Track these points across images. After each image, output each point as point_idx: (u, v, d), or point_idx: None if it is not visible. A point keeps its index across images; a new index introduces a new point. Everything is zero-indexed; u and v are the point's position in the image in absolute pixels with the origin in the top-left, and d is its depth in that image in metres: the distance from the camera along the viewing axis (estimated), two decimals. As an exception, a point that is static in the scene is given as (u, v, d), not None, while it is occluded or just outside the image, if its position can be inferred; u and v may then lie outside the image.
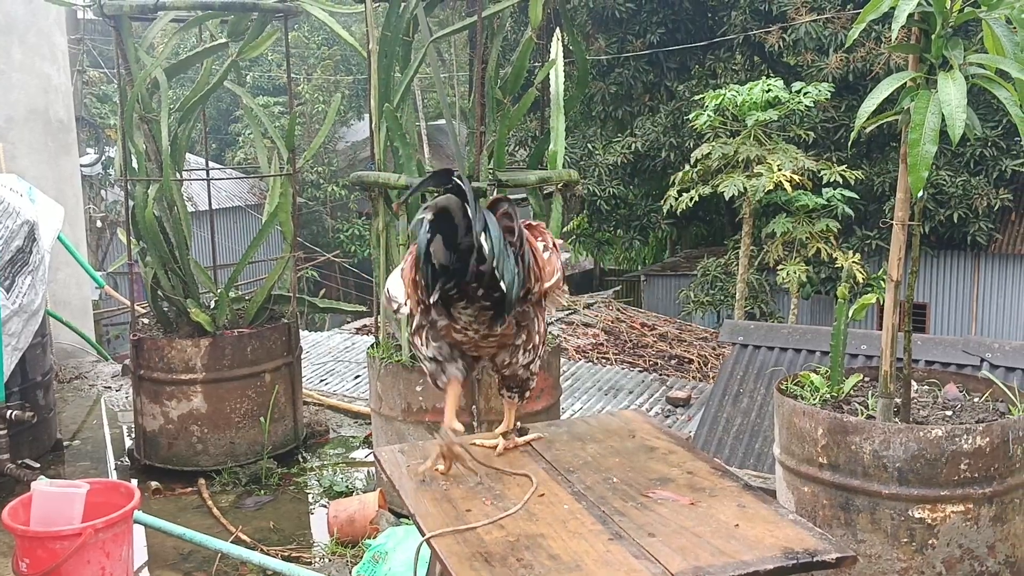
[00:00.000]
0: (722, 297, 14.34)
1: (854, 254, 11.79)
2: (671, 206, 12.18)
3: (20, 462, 4.60)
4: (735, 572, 1.50)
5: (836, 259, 11.03)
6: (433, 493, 1.93)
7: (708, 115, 11.76)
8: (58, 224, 5.20)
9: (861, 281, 10.89)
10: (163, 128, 4.47)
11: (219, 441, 4.77)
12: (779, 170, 10.68)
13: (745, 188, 11.06)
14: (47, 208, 5.08)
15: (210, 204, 5.62)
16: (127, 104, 4.55)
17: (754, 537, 1.64)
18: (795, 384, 3.78)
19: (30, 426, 4.79)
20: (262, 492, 4.66)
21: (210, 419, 4.73)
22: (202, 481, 4.71)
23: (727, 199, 11.82)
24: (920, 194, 3.33)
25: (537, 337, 2.22)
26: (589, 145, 17.21)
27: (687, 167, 12.17)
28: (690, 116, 12.89)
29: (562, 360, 11.43)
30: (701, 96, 12.68)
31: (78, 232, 6.94)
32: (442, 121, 7.26)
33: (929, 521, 3.16)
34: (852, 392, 3.73)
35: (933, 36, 3.19)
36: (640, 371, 11.27)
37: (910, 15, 3.23)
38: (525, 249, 2.12)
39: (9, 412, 4.47)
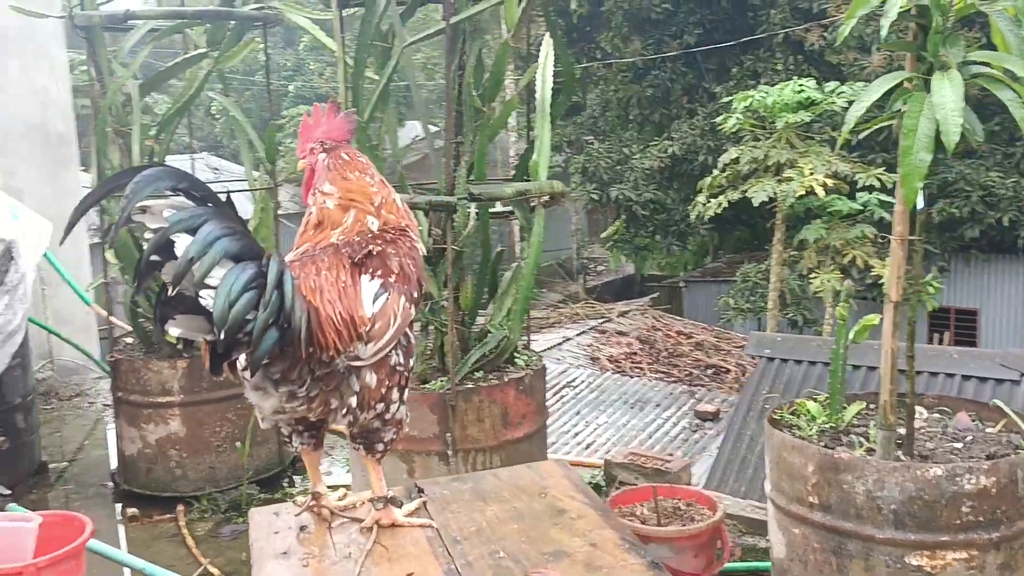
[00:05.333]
0: (763, 304, 13.90)
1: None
2: (699, 212, 11.82)
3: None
4: None
5: (873, 267, 10.56)
6: (291, 564, 1.69)
7: (737, 118, 11.38)
8: (45, 242, 5.07)
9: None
10: (135, 143, 4.32)
11: (198, 466, 4.60)
12: (811, 174, 10.26)
13: (775, 193, 10.65)
14: (31, 225, 4.94)
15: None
16: (99, 118, 4.40)
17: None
18: (791, 413, 3.49)
19: (7, 450, 4.66)
20: (241, 519, 4.47)
21: (188, 443, 4.56)
22: (180, 508, 4.54)
23: (761, 204, 11.43)
24: (920, 206, 3.03)
25: (362, 399, 1.82)
26: (625, 150, 16.88)
27: (715, 172, 11.79)
28: (717, 120, 12.51)
29: (589, 372, 11.15)
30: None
31: (81, 248, 6.85)
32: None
33: (928, 569, 2.86)
34: (854, 422, 3.42)
35: (930, 32, 2.88)
36: (671, 382, 10.93)
37: (905, 10, 2.93)
38: (289, 302, 1.68)
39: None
